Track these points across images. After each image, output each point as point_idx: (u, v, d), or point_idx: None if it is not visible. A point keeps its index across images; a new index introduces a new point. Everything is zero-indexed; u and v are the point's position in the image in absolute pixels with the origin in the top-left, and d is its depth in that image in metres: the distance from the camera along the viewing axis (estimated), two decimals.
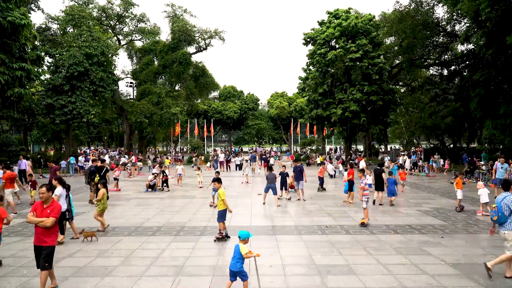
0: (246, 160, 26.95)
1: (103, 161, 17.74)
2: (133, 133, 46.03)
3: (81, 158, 31.00)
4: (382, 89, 33.73)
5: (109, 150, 50.80)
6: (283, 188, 16.13)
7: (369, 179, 16.08)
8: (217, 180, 10.28)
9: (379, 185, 14.53)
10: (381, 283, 6.55)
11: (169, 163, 33.85)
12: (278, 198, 14.97)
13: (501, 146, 28.28)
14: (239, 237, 6.03)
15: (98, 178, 14.61)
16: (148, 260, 7.84)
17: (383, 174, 14.66)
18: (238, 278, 5.84)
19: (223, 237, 9.42)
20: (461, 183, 13.34)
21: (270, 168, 16.29)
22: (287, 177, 16.29)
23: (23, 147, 34.25)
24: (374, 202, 14.39)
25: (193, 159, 39.34)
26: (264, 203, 14.56)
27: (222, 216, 9.40)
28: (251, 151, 57.54)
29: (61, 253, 8.40)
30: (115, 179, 20.03)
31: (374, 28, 34.67)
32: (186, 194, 17.79)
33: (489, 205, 12.05)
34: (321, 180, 18.85)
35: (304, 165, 34.54)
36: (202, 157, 39.54)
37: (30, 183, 15.38)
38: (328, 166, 25.34)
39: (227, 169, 31.74)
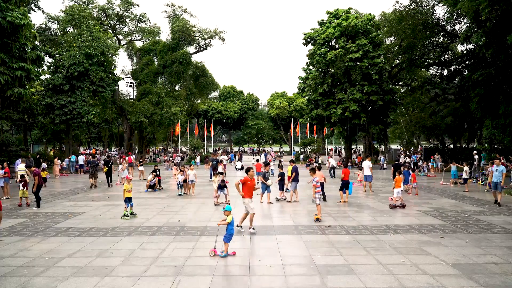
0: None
1: (109, 156, 21.44)
2: (133, 133, 46.00)
3: (81, 157, 31.15)
4: (382, 89, 33.71)
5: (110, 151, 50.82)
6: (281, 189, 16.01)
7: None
8: None
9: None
10: (381, 283, 6.55)
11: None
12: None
13: (495, 146, 28.21)
14: (229, 210, 8.10)
15: (106, 169, 20.55)
16: (148, 260, 7.83)
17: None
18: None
19: None
20: (400, 182, 13.68)
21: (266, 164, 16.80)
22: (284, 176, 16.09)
23: (23, 147, 34.23)
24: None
25: (171, 158, 38.64)
26: (261, 202, 15.03)
27: None
28: (249, 151, 57.46)
29: (61, 253, 8.40)
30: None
31: (374, 28, 34.65)
32: (186, 194, 17.78)
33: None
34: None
35: (303, 165, 34.47)
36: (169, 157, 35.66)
37: (22, 182, 14.55)
38: (331, 160, 26.56)
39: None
